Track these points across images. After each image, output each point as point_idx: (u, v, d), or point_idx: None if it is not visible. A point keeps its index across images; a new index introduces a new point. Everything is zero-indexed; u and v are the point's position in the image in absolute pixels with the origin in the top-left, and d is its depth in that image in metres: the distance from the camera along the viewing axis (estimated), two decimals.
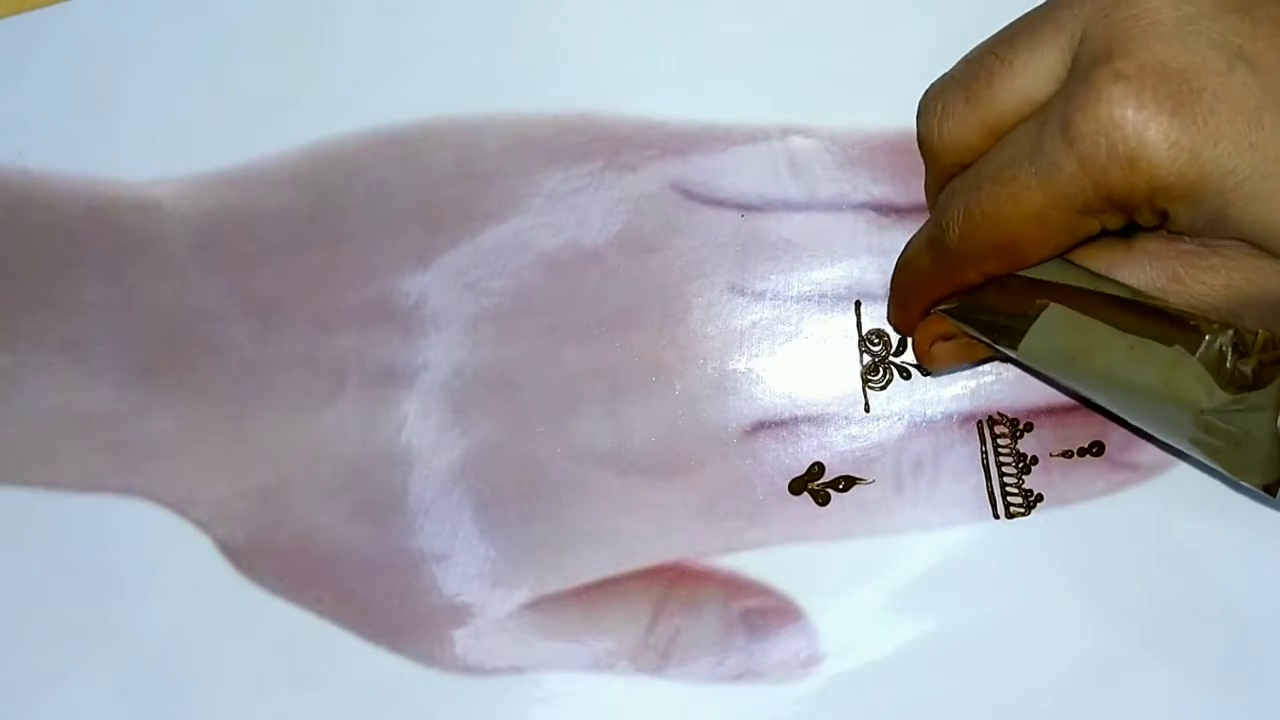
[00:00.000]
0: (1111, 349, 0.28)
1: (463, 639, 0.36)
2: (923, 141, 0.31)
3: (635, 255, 0.36)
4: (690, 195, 0.36)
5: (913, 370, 0.35)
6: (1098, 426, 0.35)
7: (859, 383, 0.36)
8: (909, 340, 0.35)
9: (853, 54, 0.36)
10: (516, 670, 0.35)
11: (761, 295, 0.36)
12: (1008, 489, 0.35)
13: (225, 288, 0.37)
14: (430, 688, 0.35)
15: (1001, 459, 0.35)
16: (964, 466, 0.35)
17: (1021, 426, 0.35)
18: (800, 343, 0.36)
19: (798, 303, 0.36)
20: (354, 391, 0.36)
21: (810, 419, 0.36)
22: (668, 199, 0.36)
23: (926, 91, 0.31)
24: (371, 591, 0.36)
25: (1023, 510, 0.35)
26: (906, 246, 0.32)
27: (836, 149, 0.36)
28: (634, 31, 0.37)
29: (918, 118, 0.31)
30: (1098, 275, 0.30)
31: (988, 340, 0.31)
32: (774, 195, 0.36)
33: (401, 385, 0.36)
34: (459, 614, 0.36)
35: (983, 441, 0.35)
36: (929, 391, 0.35)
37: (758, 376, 0.36)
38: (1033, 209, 0.28)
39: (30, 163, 0.37)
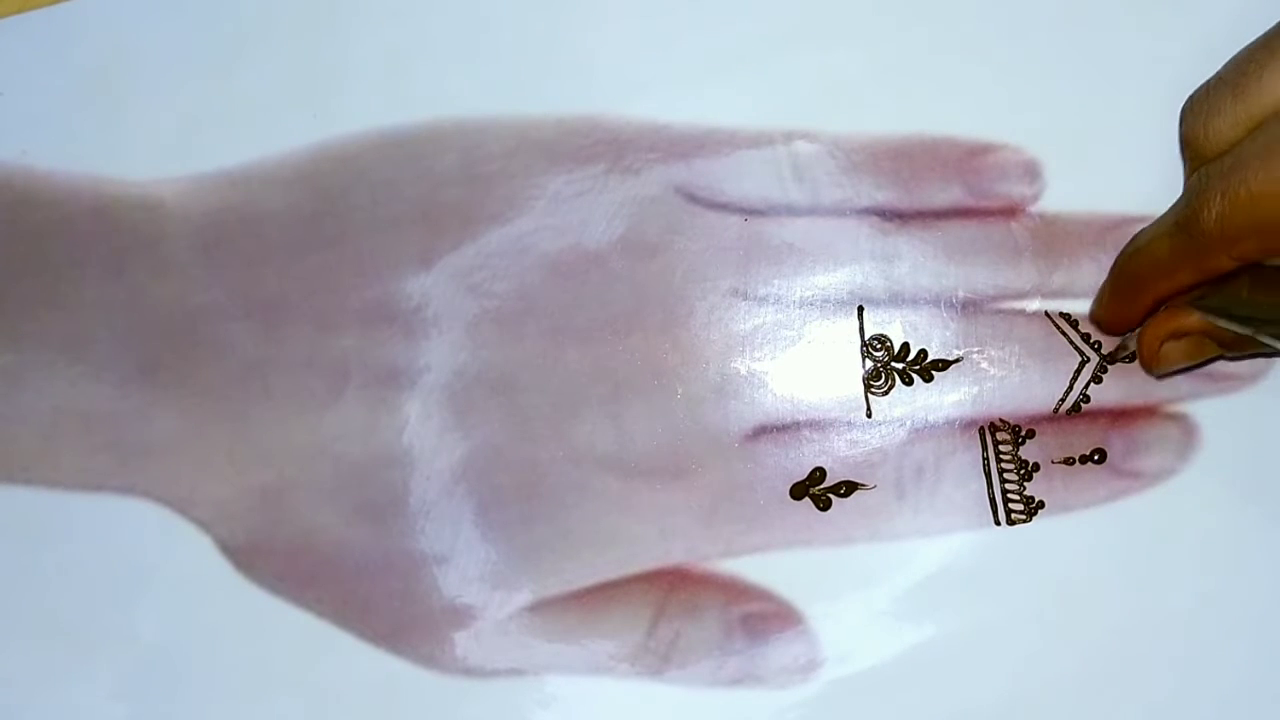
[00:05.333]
0: None
1: (463, 641, 0.36)
2: (1187, 141, 0.31)
3: (638, 258, 0.36)
4: (694, 199, 0.36)
5: (915, 376, 0.35)
6: (1100, 434, 0.35)
7: (861, 388, 0.36)
8: (1103, 338, 0.35)
9: (857, 59, 0.36)
10: (517, 672, 0.35)
11: (764, 300, 0.36)
12: (1009, 495, 0.35)
13: (228, 288, 0.37)
14: (430, 689, 0.35)
15: (1003, 465, 0.35)
16: (965, 473, 0.35)
17: (1024, 433, 0.35)
18: (802, 347, 0.36)
19: (800, 307, 0.36)
20: (356, 392, 0.36)
21: (812, 424, 0.36)
22: (671, 202, 0.36)
23: (1192, 94, 0.31)
24: (372, 592, 0.36)
25: (1024, 517, 0.35)
26: (1136, 236, 0.32)
27: (840, 154, 0.36)
28: (639, 35, 0.36)
29: (1182, 119, 0.31)
30: None
31: (1248, 330, 0.30)
32: (777, 199, 0.36)
33: (403, 387, 0.36)
34: (459, 616, 0.36)
35: (984, 448, 0.35)
36: (931, 397, 0.35)
37: (760, 380, 0.36)
38: None
39: (34, 161, 0.37)
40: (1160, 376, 0.34)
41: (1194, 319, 0.31)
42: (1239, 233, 0.29)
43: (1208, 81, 0.31)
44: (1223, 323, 0.31)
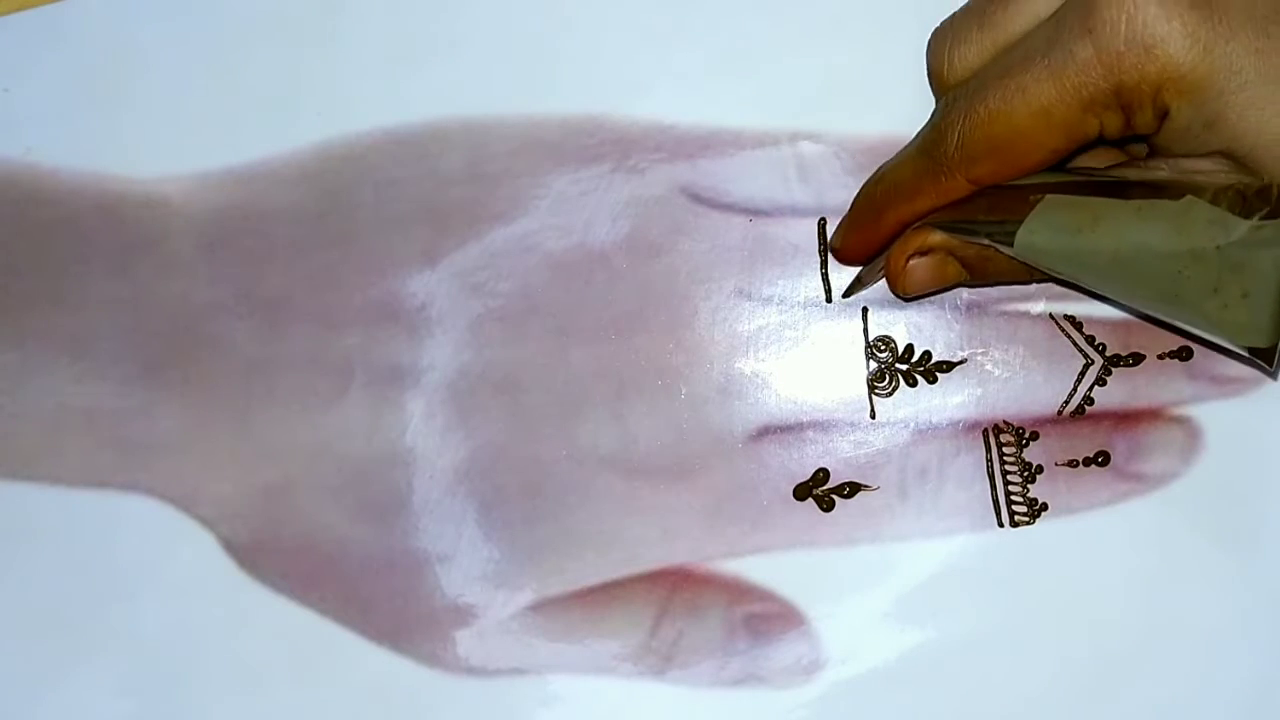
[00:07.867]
0: (1118, 213, 0.29)
1: (465, 640, 0.36)
2: (933, 73, 0.32)
3: (642, 258, 0.36)
4: (699, 199, 0.36)
5: (919, 377, 0.35)
6: (1103, 437, 0.35)
7: (865, 389, 0.36)
8: (860, 271, 0.35)
9: (862, 60, 0.36)
10: (519, 672, 0.35)
11: (768, 300, 0.36)
12: (1012, 498, 0.35)
13: (232, 286, 0.37)
14: (433, 688, 0.35)
15: (1007, 467, 0.35)
16: (969, 474, 0.35)
17: (1027, 435, 0.35)
18: (806, 348, 0.36)
19: (804, 308, 0.36)
20: (359, 391, 0.36)
21: (816, 424, 0.36)
22: (676, 203, 0.36)
23: (938, 26, 0.32)
24: (374, 591, 0.36)
25: (1027, 519, 0.35)
26: (882, 165, 0.33)
27: (845, 155, 0.36)
28: (644, 35, 0.36)
29: (928, 50, 0.32)
30: (1089, 170, 0.31)
31: (982, 239, 0.31)
32: (782, 200, 0.36)
33: (407, 385, 0.36)
34: (462, 615, 0.36)
35: (988, 450, 0.35)
36: (934, 399, 0.35)
37: (763, 381, 0.36)
38: (1040, 102, 0.28)
39: (38, 159, 0.37)
40: (908, 298, 0.35)
41: (937, 236, 0.32)
42: (977, 153, 0.30)
43: (954, 13, 0.32)
44: (958, 235, 0.32)
